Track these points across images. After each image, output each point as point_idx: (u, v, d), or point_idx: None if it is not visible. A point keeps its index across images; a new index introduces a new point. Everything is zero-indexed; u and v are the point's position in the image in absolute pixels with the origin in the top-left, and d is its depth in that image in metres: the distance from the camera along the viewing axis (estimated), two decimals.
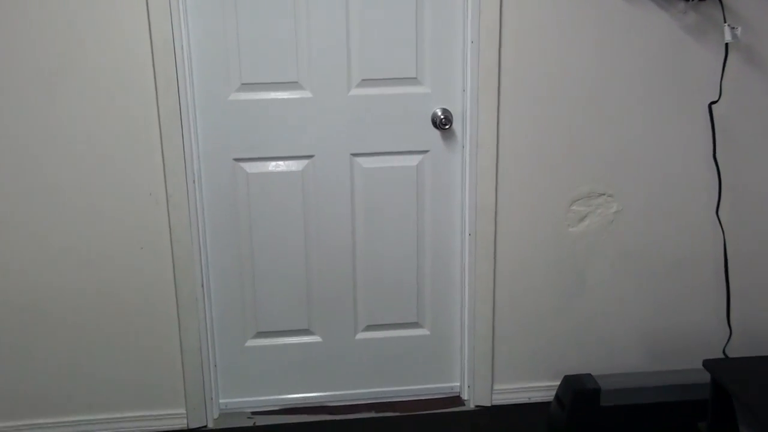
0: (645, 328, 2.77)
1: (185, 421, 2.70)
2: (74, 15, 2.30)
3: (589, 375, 2.46)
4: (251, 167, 2.56)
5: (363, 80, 2.51)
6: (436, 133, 2.58)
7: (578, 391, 2.39)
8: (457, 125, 2.58)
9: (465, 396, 2.83)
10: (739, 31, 2.44)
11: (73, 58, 2.34)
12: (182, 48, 2.38)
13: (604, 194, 2.62)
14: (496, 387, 2.79)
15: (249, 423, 2.75)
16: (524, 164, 2.57)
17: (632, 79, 2.52)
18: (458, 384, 2.86)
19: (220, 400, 2.79)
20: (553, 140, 2.56)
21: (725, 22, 2.45)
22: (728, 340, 2.75)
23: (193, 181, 2.50)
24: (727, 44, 2.49)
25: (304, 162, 2.58)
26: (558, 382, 2.63)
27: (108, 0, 2.30)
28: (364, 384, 2.83)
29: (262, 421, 2.76)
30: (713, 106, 2.55)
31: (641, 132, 2.58)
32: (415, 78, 2.52)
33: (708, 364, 2.05)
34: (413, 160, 2.61)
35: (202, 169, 2.54)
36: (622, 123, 2.56)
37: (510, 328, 2.74)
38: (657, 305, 2.75)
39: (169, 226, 2.50)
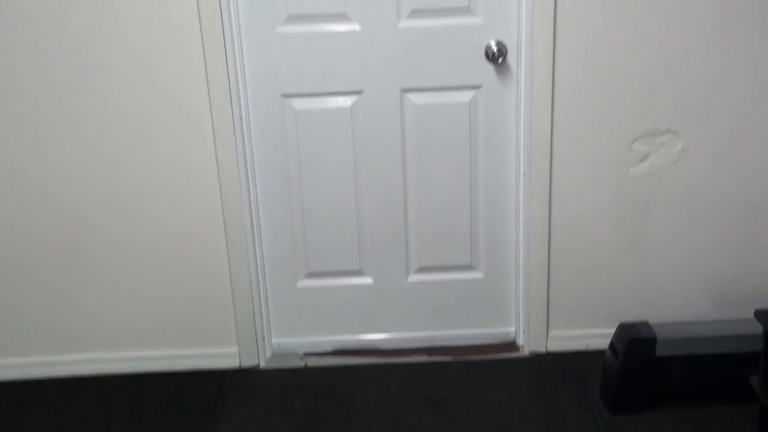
0: (711, 275, 2.61)
1: (237, 360, 2.72)
2: None
3: (646, 323, 2.33)
4: (299, 103, 2.51)
5: (413, 11, 2.41)
6: (490, 67, 2.46)
7: (632, 340, 2.27)
8: (511, 59, 2.45)
9: (520, 341, 2.75)
10: None
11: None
12: None
13: (668, 132, 2.45)
14: (551, 333, 2.70)
15: (301, 364, 2.74)
16: (582, 100, 2.43)
17: (700, 7, 2.33)
18: (513, 329, 2.78)
19: (273, 340, 2.79)
20: (613, 75, 2.40)
21: None
22: None
23: (240, 118, 2.46)
24: None
25: (353, 98, 2.51)
26: None
27: None
28: (416, 327, 2.78)
29: (314, 362, 2.75)
30: None
31: (709, 64, 2.39)
32: (468, 8, 2.40)
33: (760, 315, 1.89)
34: (466, 96, 2.50)
35: (249, 105, 2.50)
36: (688, 55, 2.38)
37: (567, 272, 2.63)
38: (725, 252, 2.59)
39: (217, 164, 2.48)
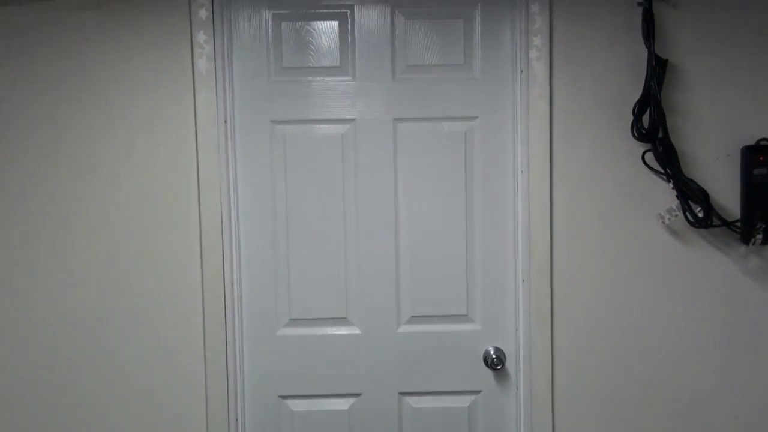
0: None
1: None
2: (132, 251, 2.36)
3: None
4: (296, 405, 2.48)
5: (412, 317, 2.45)
6: (489, 372, 2.47)
7: None
8: (510, 365, 2.46)
9: None
10: None
11: (125, 289, 2.37)
12: (232, 284, 2.39)
13: None
14: None
15: None
16: (583, 411, 2.41)
17: (696, 324, 2.39)
18: None
19: None
20: (613, 385, 2.41)
21: None
22: None
23: (236, 420, 2.42)
24: None
25: (351, 400, 2.49)
26: None
27: (164, 240, 2.36)
28: None
29: None
30: None
31: (710, 378, 2.41)
32: (466, 315, 2.45)
33: None
34: (465, 401, 2.49)
35: (246, 406, 2.47)
36: (686, 368, 2.40)
37: None
38: None
39: None
